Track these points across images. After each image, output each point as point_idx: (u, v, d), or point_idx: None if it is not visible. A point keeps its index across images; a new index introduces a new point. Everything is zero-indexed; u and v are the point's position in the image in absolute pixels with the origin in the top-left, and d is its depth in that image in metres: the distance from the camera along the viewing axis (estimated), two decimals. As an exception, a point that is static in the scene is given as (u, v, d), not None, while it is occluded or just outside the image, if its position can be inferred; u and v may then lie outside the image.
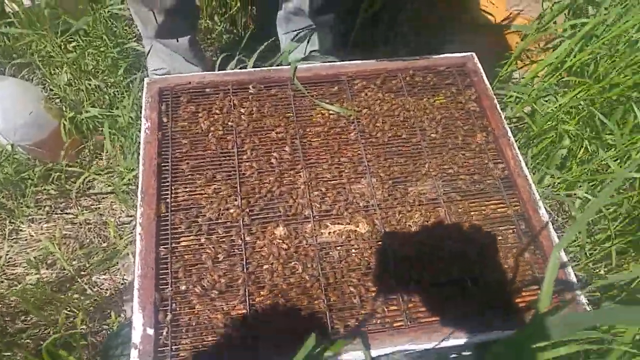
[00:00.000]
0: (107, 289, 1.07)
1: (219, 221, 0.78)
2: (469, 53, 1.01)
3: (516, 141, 0.95)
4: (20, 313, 1.02)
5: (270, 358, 0.67)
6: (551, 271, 0.45)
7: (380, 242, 0.78)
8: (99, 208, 1.19)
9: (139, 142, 0.85)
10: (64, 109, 1.25)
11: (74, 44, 1.36)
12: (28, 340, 0.98)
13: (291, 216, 0.79)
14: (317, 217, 0.80)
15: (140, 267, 0.73)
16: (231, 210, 0.79)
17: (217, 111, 0.89)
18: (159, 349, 0.68)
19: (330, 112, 0.91)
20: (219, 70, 1.10)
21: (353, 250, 0.77)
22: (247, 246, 0.76)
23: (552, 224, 1.06)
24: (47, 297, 1.01)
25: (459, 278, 0.75)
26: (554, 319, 0.39)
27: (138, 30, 1.23)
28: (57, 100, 1.32)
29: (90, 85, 1.27)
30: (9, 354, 0.94)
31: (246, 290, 0.72)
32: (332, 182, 0.83)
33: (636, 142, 0.99)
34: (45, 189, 1.19)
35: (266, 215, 0.79)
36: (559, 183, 1.13)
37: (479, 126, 0.92)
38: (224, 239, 0.77)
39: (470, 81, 0.98)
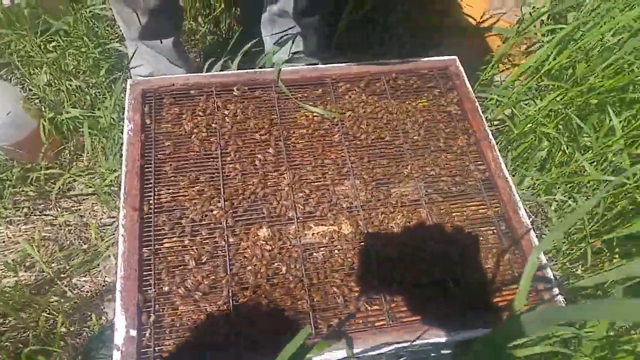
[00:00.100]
0: (87, 291, 1.06)
1: (203, 222, 0.78)
2: (451, 57, 1.03)
3: (497, 143, 0.97)
4: (-2, 316, 1.00)
5: (254, 358, 0.67)
6: (528, 274, 0.46)
7: (363, 243, 0.79)
8: (80, 209, 1.18)
9: (122, 144, 0.85)
10: (43, 109, 1.23)
11: (54, 44, 1.34)
12: (7, 343, 0.96)
13: (275, 217, 0.80)
14: (300, 218, 0.80)
15: (123, 268, 0.72)
16: (214, 212, 0.79)
17: (201, 113, 0.89)
18: (142, 350, 0.67)
19: (314, 114, 0.92)
20: (206, 72, 1.09)
21: (336, 251, 0.78)
22: (230, 247, 0.76)
23: (532, 225, 1.09)
24: (26, 299, 0.99)
25: (441, 279, 0.77)
26: (529, 316, 0.40)
27: (120, 30, 1.21)
28: (37, 101, 1.30)
29: (70, 85, 1.25)
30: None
31: (230, 291, 0.72)
32: (316, 183, 0.84)
33: (612, 145, 1.02)
34: (23, 190, 1.17)
35: (250, 217, 0.79)
36: (538, 185, 1.16)
37: (461, 129, 0.94)
38: (207, 241, 0.77)
39: (452, 84, 1.00)
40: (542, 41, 1.18)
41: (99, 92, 1.26)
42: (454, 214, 0.84)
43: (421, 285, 0.76)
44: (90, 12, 1.31)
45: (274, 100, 0.93)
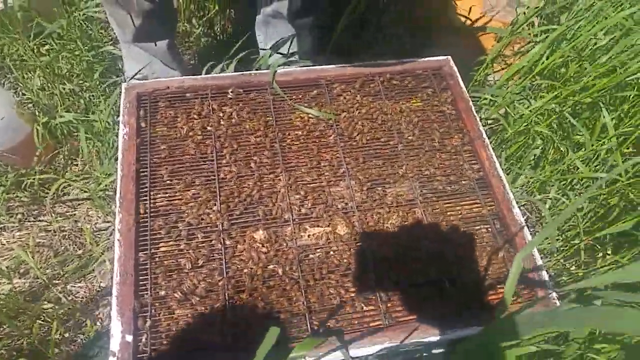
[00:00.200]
0: (82, 297, 1.05)
1: (199, 226, 0.78)
2: (445, 57, 1.03)
3: (491, 142, 0.97)
4: (-8, 323, 0.99)
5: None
6: (513, 275, 0.47)
7: (359, 244, 0.79)
8: (75, 215, 1.17)
9: (117, 147, 0.84)
10: (36, 113, 1.23)
11: (47, 47, 1.33)
12: (2, 351, 0.95)
13: (271, 220, 0.80)
14: (296, 220, 0.80)
15: (119, 273, 0.72)
16: (211, 215, 0.79)
17: (196, 116, 0.89)
18: (138, 356, 0.67)
19: (310, 115, 0.92)
20: (205, 74, 1.09)
21: (332, 252, 0.78)
22: (226, 250, 0.76)
23: (526, 222, 1.09)
24: (20, 306, 0.99)
25: (437, 278, 0.77)
26: (519, 317, 0.41)
27: (114, 33, 1.21)
28: (30, 105, 1.29)
29: (64, 89, 1.25)
30: (-19, 365, 0.92)
31: (226, 294, 0.72)
32: (312, 185, 0.84)
33: (604, 143, 1.03)
34: (17, 196, 1.16)
35: (246, 220, 0.79)
36: (531, 183, 1.17)
37: (455, 128, 0.95)
38: (203, 244, 0.77)
39: (446, 84, 1.00)
40: (535, 41, 1.18)
41: (93, 95, 1.26)
42: (448, 213, 0.84)
43: (417, 285, 0.76)
44: (83, 14, 1.30)
45: (269, 102, 0.93)
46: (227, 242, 0.77)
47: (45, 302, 1.01)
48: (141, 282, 0.73)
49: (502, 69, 1.40)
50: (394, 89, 0.98)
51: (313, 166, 0.86)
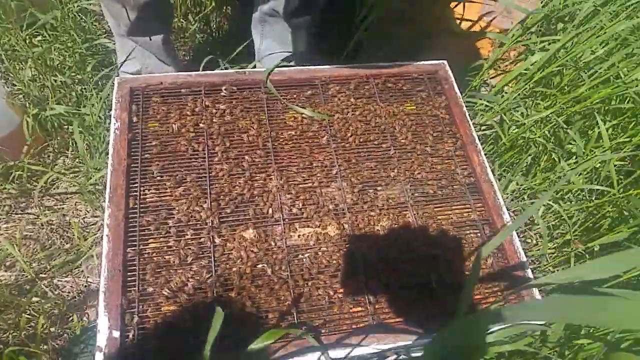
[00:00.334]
0: (69, 292, 1.04)
1: (189, 223, 0.78)
2: (440, 61, 1.04)
3: (485, 149, 0.98)
4: (-23, 316, 0.98)
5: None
6: (473, 275, 0.47)
7: (349, 245, 0.79)
8: (63, 208, 1.16)
9: (108, 142, 0.84)
10: (27, 105, 1.21)
11: (39, 38, 1.32)
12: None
13: (261, 219, 0.79)
14: (287, 220, 0.80)
15: (107, 269, 0.72)
16: (201, 213, 0.78)
17: (189, 112, 0.89)
18: (125, 351, 0.66)
19: (303, 115, 0.92)
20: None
21: (322, 253, 0.78)
22: (216, 248, 0.76)
23: (516, 228, 1.10)
24: (5, 300, 0.97)
25: (426, 281, 0.77)
26: (484, 313, 0.41)
27: (108, 26, 1.20)
28: (20, 96, 1.28)
29: (56, 81, 1.24)
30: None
31: (214, 292, 0.72)
32: (303, 185, 0.84)
33: (597, 154, 1.04)
34: (5, 188, 1.15)
35: (236, 218, 0.79)
36: (524, 189, 1.18)
37: (448, 133, 0.95)
38: (193, 241, 0.76)
39: (441, 88, 1.01)
40: (533, 50, 1.19)
41: (85, 88, 1.24)
42: (439, 217, 0.85)
43: (406, 287, 0.76)
44: (78, 6, 1.29)
45: (262, 101, 0.92)
46: (217, 240, 0.76)
47: (32, 296, 1.00)
48: (129, 278, 0.72)
49: (498, 74, 1.41)
50: (388, 91, 0.99)
51: (305, 166, 0.86)
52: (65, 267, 1.07)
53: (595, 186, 1.03)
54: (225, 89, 0.92)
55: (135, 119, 0.86)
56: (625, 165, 1.09)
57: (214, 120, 0.88)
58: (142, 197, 0.79)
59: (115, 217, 0.76)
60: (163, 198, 0.80)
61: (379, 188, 0.86)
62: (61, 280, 1.06)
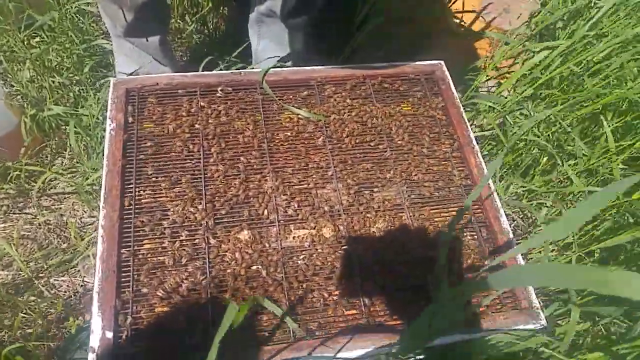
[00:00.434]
0: (65, 291, 1.04)
1: (183, 224, 0.77)
2: (437, 61, 1.03)
3: (483, 150, 0.97)
4: (-27, 316, 0.98)
5: (231, 363, 0.67)
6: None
7: (344, 247, 0.79)
8: (60, 208, 1.16)
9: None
10: (25, 106, 1.21)
11: (37, 39, 1.32)
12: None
13: (256, 220, 0.79)
14: (282, 221, 0.80)
15: (101, 269, 0.72)
16: (196, 214, 0.78)
17: (184, 113, 0.88)
18: (118, 352, 0.66)
19: (299, 116, 0.92)
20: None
21: (317, 255, 0.77)
22: (210, 250, 0.76)
23: (516, 230, 1.10)
24: (2, 299, 0.98)
25: (422, 283, 0.77)
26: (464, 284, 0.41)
27: (106, 27, 1.20)
28: (19, 97, 1.28)
29: (54, 82, 1.24)
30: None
31: (209, 293, 0.72)
32: (299, 186, 0.84)
33: (602, 158, 1.03)
34: (3, 188, 1.15)
35: (231, 219, 0.79)
36: (523, 192, 1.17)
37: (445, 134, 0.95)
38: (187, 243, 0.76)
39: (438, 89, 1.00)
40: (535, 51, 1.18)
41: (82, 89, 1.25)
42: (435, 219, 0.84)
43: (402, 289, 0.76)
44: (75, 7, 1.29)
45: (258, 101, 0.92)
46: (212, 242, 0.76)
47: (29, 296, 1.00)
48: (123, 279, 0.72)
49: (500, 75, 1.40)
50: (385, 92, 0.98)
51: (301, 168, 0.86)
52: (62, 267, 1.07)
53: (596, 189, 1.02)
54: (220, 90, 0.92)
55: (130, 120, 0.86)
56: (628, 168, 1.09)
57: (210, 121, 0.88)
58: (137, 198, 0.79)
59: (110, 218, 0.76)
60: (158, 199, 0.80)
61: (375, 190, 0.86)
62: (58, 280, 1.06)
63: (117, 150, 0.82)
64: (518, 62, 1.29)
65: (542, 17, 1.14)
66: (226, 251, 0.76)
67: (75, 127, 1.10)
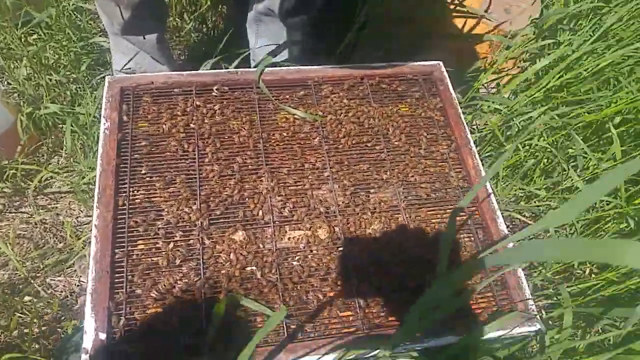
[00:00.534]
0: (61, 291, 1.04)
1: (178, 225, 0.77)
2: (436, 62, 1.02)
3: (484, 151, 0.96)
4: (-32, 316, 0.98)
5: (225, 365, 0.66)
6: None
7: (340, 248, 0.78)
8: (57, 207, 1.15)
9: (99, 142, 0.83)
10: (21, 104, 1.21)
11: (35, 36, 1.31)
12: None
13: (251, 221, 0.79)
14: (277, 222, 0.79)
15: (95, 270, 0.71)
16: (190, 214, 0.77)
17: (180, 113, 0.88)
18: (111, 353, 0.66)
19: (295, 116, 0.91)
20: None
21: (312, 256, 0.77)
22: (205, 250, 0.75)
23: (513, 232, 1.09)
24: (-2, 299, 0.97)
25: (418, 284, 0.76)
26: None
27: (103, 25, 1.19)
28: (15, 95, 1.27)
29: (51, 80, 1.23)
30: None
31: (202, 294, 0.71)
32: (294, 187, 0.83)
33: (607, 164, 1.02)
34: (-1, 187, 1.15)
35: (226, 220, 0.78)
36: (522, 194, 1.17)
37: (443, 135, 0.94)
38: (181, 243, 0.75)
39: (436, 90, 0.99)
40: (539, 54, 1.17)
41: (79, 87, 1.24)
42: (432, 221, 0.84)
43: (398, 291, 0.75)
44: (73, 4, 1.29)
45: (254, 101, 0.92)
46: (206, 242, 0.76)
47: (24, 295, 1.00)
48: (117, 280, 0.72)
49: (500, 77, 1.39)
50: (382, 92, 0.98)
51: (297, 168, 0.85)
52: (58, 267, 1.06)
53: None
54: (216, 89, 0.91)
55: (125, 119, 0.86)
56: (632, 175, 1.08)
57: (205, 120, 0.88)
58: (131, 198, 0.79)
59: (103, 218, 0.75)
60: (152, 199, 0.79)
61: (371, 191, 0.85)
62: (54, 280, 1.06)
63: (111, 149, 0.82)
64: (519, 66, 1.29)
65: (544, 19, 1.13)
66: (220, 252, 0.75)
67: (71, 126, 1.09)
